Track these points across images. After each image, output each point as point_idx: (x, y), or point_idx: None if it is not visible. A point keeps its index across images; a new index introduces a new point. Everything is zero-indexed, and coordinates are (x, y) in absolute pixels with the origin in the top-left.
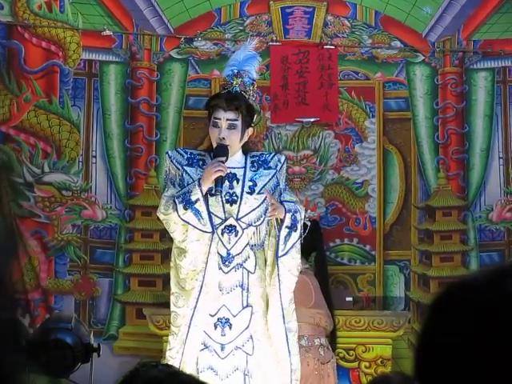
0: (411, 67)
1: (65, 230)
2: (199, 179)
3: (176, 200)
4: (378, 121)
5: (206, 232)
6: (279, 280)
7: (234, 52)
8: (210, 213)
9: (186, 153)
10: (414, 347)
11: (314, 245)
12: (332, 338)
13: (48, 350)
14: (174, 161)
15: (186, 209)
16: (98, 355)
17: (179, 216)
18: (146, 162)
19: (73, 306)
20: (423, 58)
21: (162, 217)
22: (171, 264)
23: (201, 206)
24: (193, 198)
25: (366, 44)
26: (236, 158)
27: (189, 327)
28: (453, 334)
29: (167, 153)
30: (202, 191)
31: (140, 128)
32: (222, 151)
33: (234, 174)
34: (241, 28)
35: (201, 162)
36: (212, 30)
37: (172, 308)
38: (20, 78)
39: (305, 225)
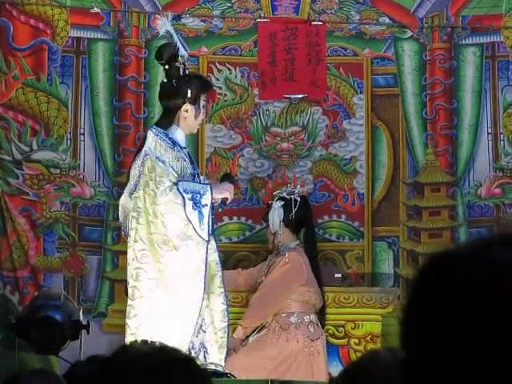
0: (399, 43)
1: (53, 207)
2: (211, 186)
3: (185, 194)
4: (366, 97)
5: (201, 238)
6: None
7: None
8: (209, 221)
9: (167, 135)
10: (399, 321)
11: (303, 221)
12: (321, 314)
13: (37, 327)
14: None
15: (194, 209)
16: (88, 332)
17: (186, 214)
18: (134, 139)
19: (62, 283)
20: (411, 33)
21: (166, 202)
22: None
23: (206, 212)
24: (203, 202)
25: (354, 20)
26: None
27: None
28: (437, 305)
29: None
30: (212, 199)
31: (128, 105)
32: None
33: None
34: (229, 5)
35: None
36: (200, 7)
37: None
38: (8, 56)
39: (294, 201)
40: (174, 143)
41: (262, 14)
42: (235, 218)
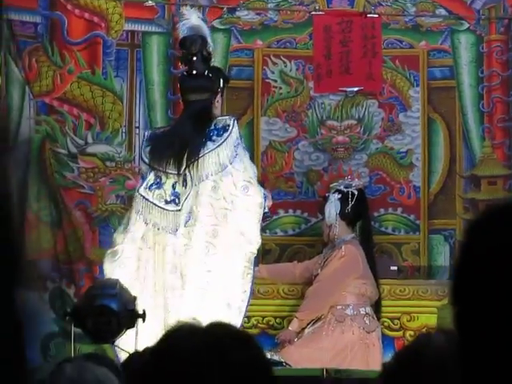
0: (456, 35)
1: (109, 200)
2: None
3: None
4: (422, 89)
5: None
6: None
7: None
8: None
9: None
10: (452, 266)
11: (359, 214)
12: (377, 307)
13: (93, 317)
14: None
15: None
16: (143, 321)
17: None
18: None
19: None
20: (468, 25)
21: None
22: None
23: None
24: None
25: (410, 12)
26: None
27: None
28: (492, 252)
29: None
30: None
31: None
32: None
33: None
34: None
35: None
36: (255, 0)
37: None
38: (63, 50)
39: (351, 194)
40: None
41: (317, 7)
42: (291, 211)
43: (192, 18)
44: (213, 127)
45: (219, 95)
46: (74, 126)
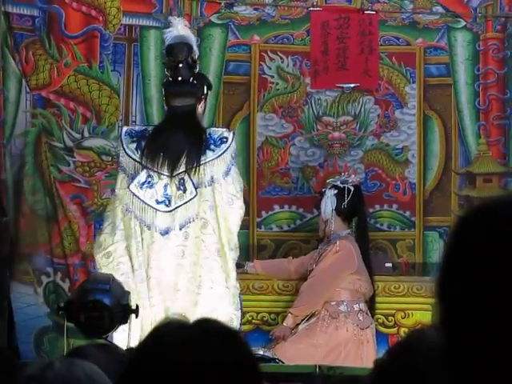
0: (452, 33)
1: (104, 194)
2: None
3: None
4: (418, 86)
5: None
6: None
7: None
8: None
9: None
10: (438, 264)
11: (355, 210)
12: (371, 303)
13: (85, 311)
14: None
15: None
16: (136, 316)
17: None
18: None
19: None
20: (465, 23)
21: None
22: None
23: None
24: None
25: (407, 9)
26: None
27: None
28: (481, 248)
29: None
30: None
31: None
32: None
33: None
34: None
35: None
36: None
37: None
38: (60, 43)
39: (348, 190)
40: None
41: (315, 3)
42: (286, 207)
43: (179, 27)
44: (208, 136)
45: (203, 101)
46: (71, 119)
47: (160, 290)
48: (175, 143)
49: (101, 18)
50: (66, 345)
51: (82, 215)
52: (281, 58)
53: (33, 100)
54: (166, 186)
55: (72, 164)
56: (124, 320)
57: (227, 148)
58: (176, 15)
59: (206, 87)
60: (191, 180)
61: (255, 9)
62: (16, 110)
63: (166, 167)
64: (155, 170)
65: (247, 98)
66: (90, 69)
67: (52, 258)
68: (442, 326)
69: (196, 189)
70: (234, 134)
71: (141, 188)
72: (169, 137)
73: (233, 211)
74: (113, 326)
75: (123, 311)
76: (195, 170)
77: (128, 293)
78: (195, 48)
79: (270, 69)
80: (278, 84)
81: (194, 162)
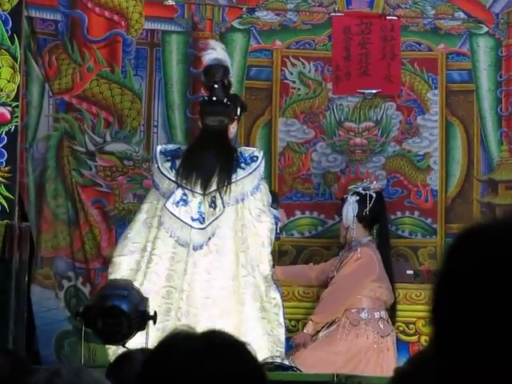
0: (475, 39)
1: (126, 199)
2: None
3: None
4: (440, 92)
5: None
6: None
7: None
8: None
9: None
10: (431, 289)
11: (377, 217)
12: (392, 311)
13: (103, 317)
14: None
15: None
16: (154, 323)
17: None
18: None
19: None
20: (487, 29)
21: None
22: None
23: None
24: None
25: (429, 15)
26: None
27: None
28: (465, 276)
29: None
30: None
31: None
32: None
33: None
34: None
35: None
36: (274, 1)
37: None
38: (83, 48)
39: (370, 196)
40: None
41: (337, 8)
42: (307, 213)
43: (217, 49)
44: (239, 155)
45: (235, 122)
46: (93, 123)
47: (189, 302)
48: (207, 162)
49: (123, 23)
50: (82, 350)
51: (104, 220)
52: (302, 63)
53: (55, 104)
54: (200, 203)
55: (94, 168)
56: (142, 326)
57: (257, 166)
58: (198, 21)
59: (239, 108)
60: (221, 198)
61: (277, 14)
62: (38, 114)
63: (199, 185)
64: (189, 188)
65: (269, 103)
66: (112, 73)
67: (73, 262)
68: (433, 352)
69: (224, 206)
70: (263, 153)
71: (176, 206)
72: (201, 156)
73: (261, 225)
74: (131, 333)
75: (141, 317)
76: (226, 188)
77: (146, 299)
78: (231, 70)
79: (292, 74)
80: (299, 89)
81: (225, 181)
